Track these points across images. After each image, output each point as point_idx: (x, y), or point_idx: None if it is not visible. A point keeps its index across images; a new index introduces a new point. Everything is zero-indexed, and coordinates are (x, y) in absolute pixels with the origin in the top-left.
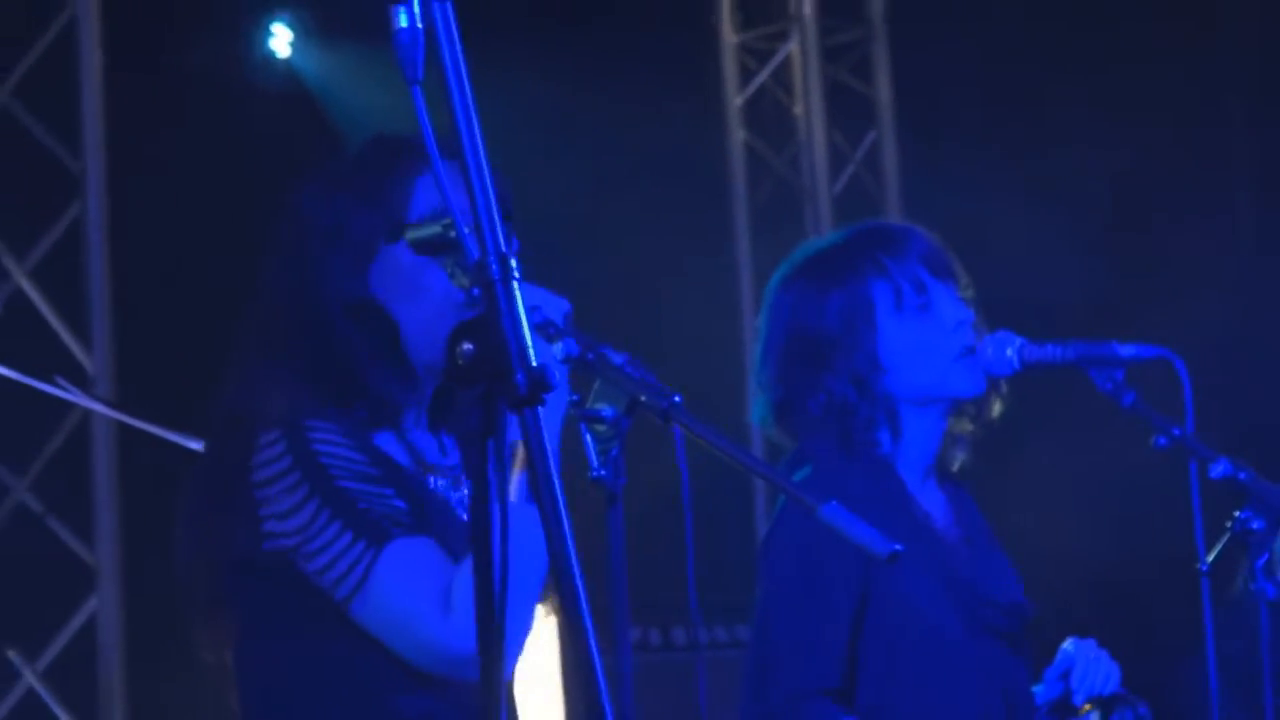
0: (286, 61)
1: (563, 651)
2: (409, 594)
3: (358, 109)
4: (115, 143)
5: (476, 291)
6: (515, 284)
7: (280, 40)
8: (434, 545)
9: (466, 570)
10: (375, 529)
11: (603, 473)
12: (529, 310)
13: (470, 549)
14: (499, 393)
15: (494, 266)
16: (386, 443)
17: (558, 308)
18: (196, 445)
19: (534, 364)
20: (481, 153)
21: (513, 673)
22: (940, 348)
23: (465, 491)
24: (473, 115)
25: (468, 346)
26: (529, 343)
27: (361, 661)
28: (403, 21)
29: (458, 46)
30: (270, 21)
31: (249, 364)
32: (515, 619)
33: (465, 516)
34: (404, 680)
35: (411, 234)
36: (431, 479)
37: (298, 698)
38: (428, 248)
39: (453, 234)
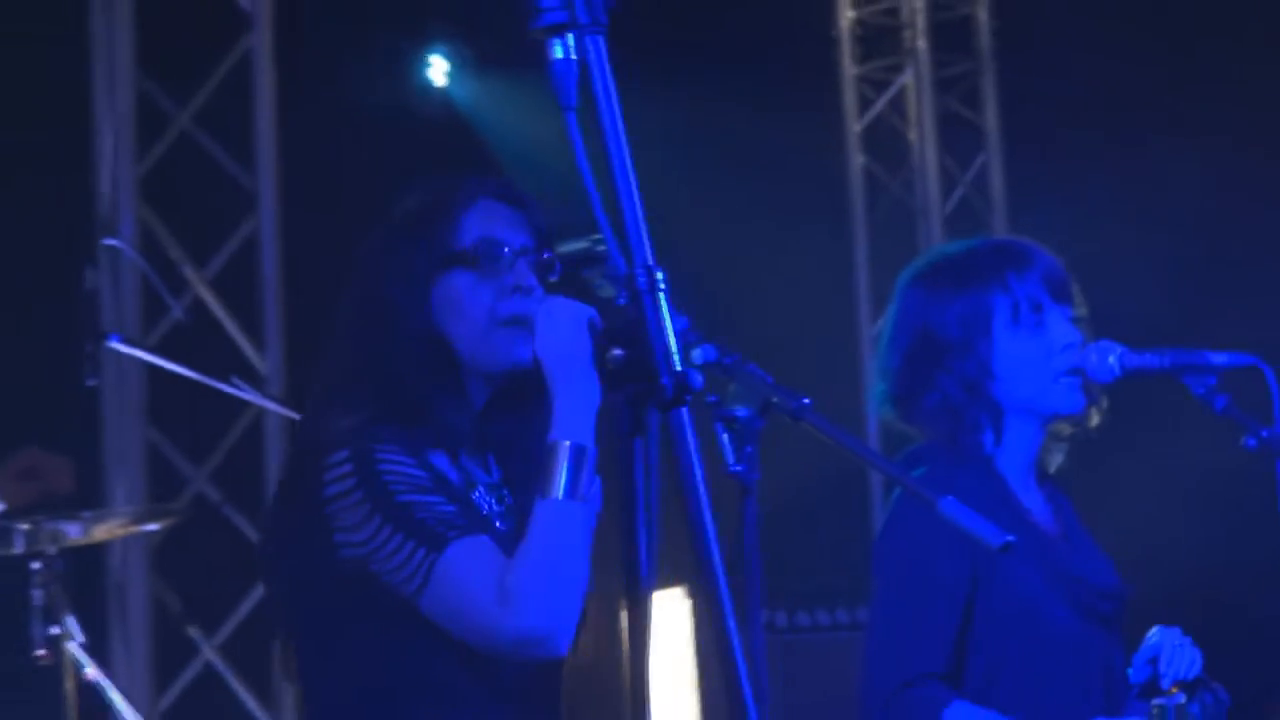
0: (443, 90)
1: (697, 632)
2: (467, 590)
3: (508, 134)
4: (287, 163)
5: (622, 300)
6: (661, 295)
7: (437, 70)
8: (489, 543)
9: (516, 564)
10: (433, 536)
11: (738, 468)
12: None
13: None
14: (646, 395)
15: (642, 278)
16: (440, 461)
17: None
18: None
19: (678, 368)
20: (631, 174)
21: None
22: (1047, 365)
23: (507, 504)
24: (623, 140)
25: (618, 352)
26: (674, 349)
27: (432, 653)
28: (559, 53)
29: (609, 76)
30: (428, 53)
31: (326, 391)
32: (572, 603)
33: (502, 527)
34: (470, 669)
35: (560, 249)
36: (476, 494)
37: (375, 693)
38: (575, 262)
39: (600, 249)
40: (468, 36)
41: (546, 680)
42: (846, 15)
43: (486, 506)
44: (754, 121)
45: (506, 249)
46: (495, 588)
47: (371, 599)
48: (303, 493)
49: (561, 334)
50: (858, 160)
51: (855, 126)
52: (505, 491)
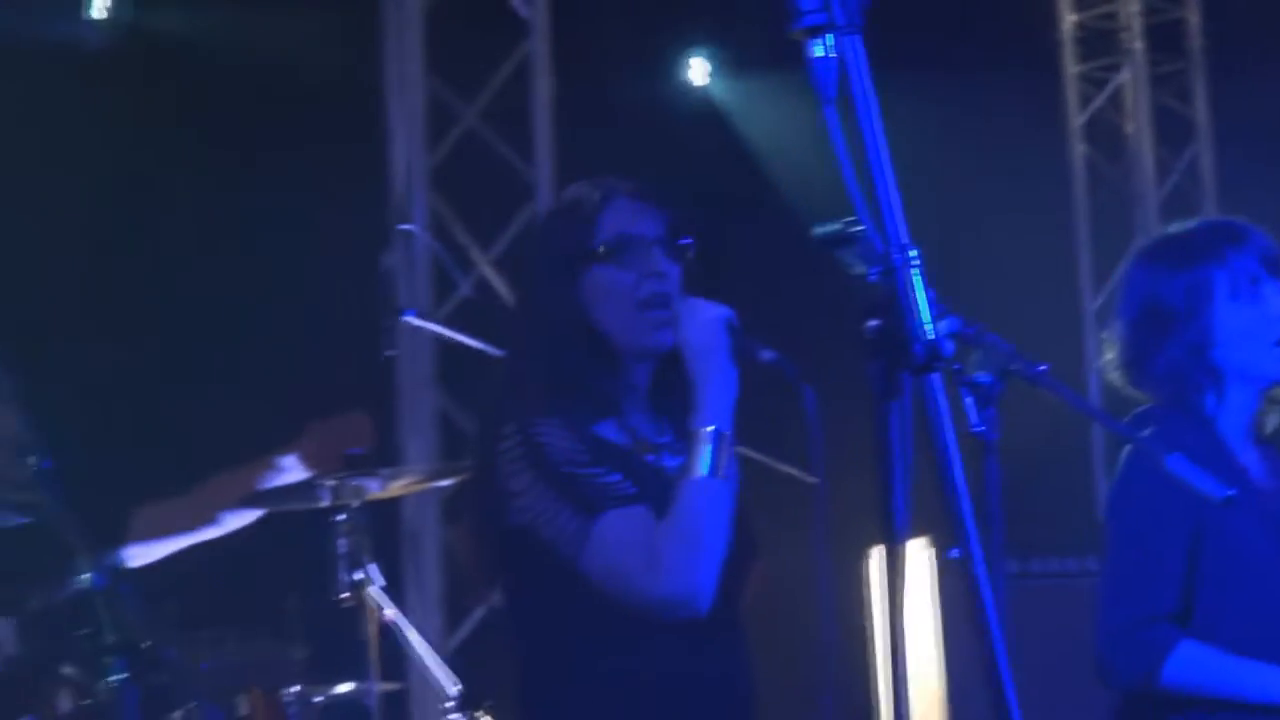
0: (702, 89)
1: (939, 579)
2: (617, 557)
3: (761, 129)
4: (562, 155)
5: (873, 276)
6: (914, 271)
7: (697, 71)
8: (642, 513)
9: (662, 534)
10: (588, 505)
11: (980, 428)
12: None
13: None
14: (900, 362)
15: (897, 256)
16: (608, 429)
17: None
18: None
19: (930, 337)
20: (887, 162)
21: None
22: (1263, 334)
23: (680, 461)
24: (878, 130)
25: (874, 323)
26: (926, 320)
27: (598, 605)
28: (819, 52)
29: (865, 72)
30: (689, 56)
31: (504, 373)
32: (710, 570)
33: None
34: (630, 623)
35: (817, 231)
36: (650, 455)
37: (559, 638)
38: (830, 242)
39: (852, 231)
40: (724, 41)
41: (725, 611)
42: (1068, 19)
43: (658, 464)
44: (986, 117)
45: (640, 241)
46: (643, 555)
47: (540, 554)
48: (481, 463)
49: (701, 331)
50: (1079, 151)
51: (1077, 121)
52: (680, 446)
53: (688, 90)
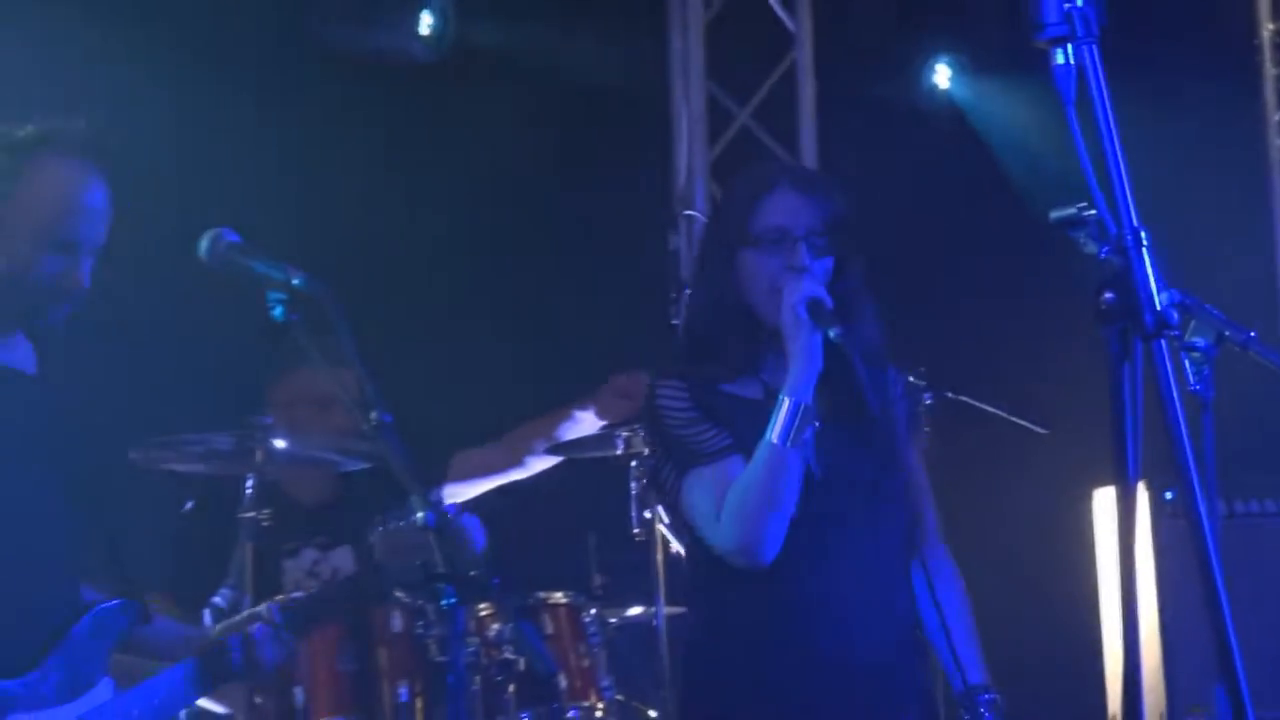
0: (946, 92)
1: (1154, 522)
2: (697, 506)
3: (1001, 129)
4: (824, 150)
5: (1103, 254)
6: (1145, 250)
7: (941, 75)
8: (726, 469)
9: (732, 491)
10: (682, 459)
11: (1197, 387)
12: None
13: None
14: (1132, 330)
15: (1130, 237)
16: (744, 386)
17: None
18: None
19: (1158, 308)
20: (1121, 156)
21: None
22: None
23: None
24: (1114, 129)
25: (1109, 295)
26: (1155, 292)
27: None
28: (1060, 59)
29: (1101, 77)
30: (934, 61)
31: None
32: (769, 526)
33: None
34: None
35: (1054, 214)
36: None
37: (705, 570)
38: (1065, 225)
39: (1086, 214)
40: (964, 48)
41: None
42: (1267, 27)
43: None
44: (1188, 117)
45: (789, 234)
46: (713, 508)
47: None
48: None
49: (788, 312)
50: (1276, 145)
51: (1275, 118)
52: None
53: (932, 91)
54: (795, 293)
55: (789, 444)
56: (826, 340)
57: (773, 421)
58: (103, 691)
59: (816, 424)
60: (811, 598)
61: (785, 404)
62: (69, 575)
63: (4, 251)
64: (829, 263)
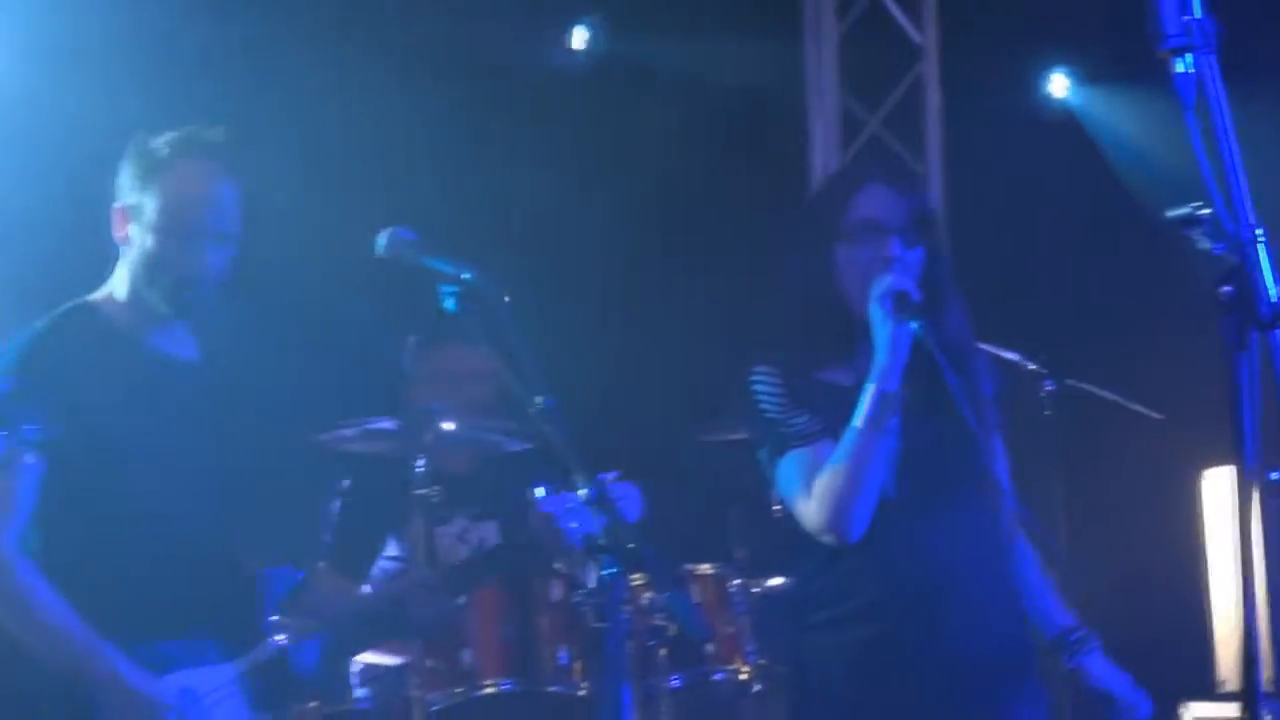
0: (1063, 100)
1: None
2: (790, 487)
3: (1116, 136)
4: (949, 155)
5: (1216, 250)
6: (1261, 247)
7: (1058, 85)
8: (816, 452)
9: (821, 473)
10: (776, 443)
11: None
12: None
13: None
14: (1249, 321)
15: (1246, 234)
16: (836, 374)
17: None
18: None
19: (1274, 300)
20: (1238, 157)
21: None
22: None
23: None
24: (1231, 132)
25: (1227, 289)
26: (1270, 285)
27: None
28: (1180, 68)
29: (1219, 84)
30: (1051, 71)
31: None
32: (855, 506)
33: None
34: None
35: (1170, 214)
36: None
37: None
38: (1180, 223)
39: (1200, 213)
40: (1080, 60)
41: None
42: None
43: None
44: None
45: (880, 228)
46: (804, 490)
47: None
48: None
49: (873, 304)
50: None
51: None
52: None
53: (1049, 100)
54: (882, 285)
55: (874, 430)
56: (913, 330)
57: (859, 408)
58: (262, 652)
59: (902, 411)
60: (902, 575)
61: (870, 391)
62: (229, 547)
63: (142, 245)
64: (919, 254)
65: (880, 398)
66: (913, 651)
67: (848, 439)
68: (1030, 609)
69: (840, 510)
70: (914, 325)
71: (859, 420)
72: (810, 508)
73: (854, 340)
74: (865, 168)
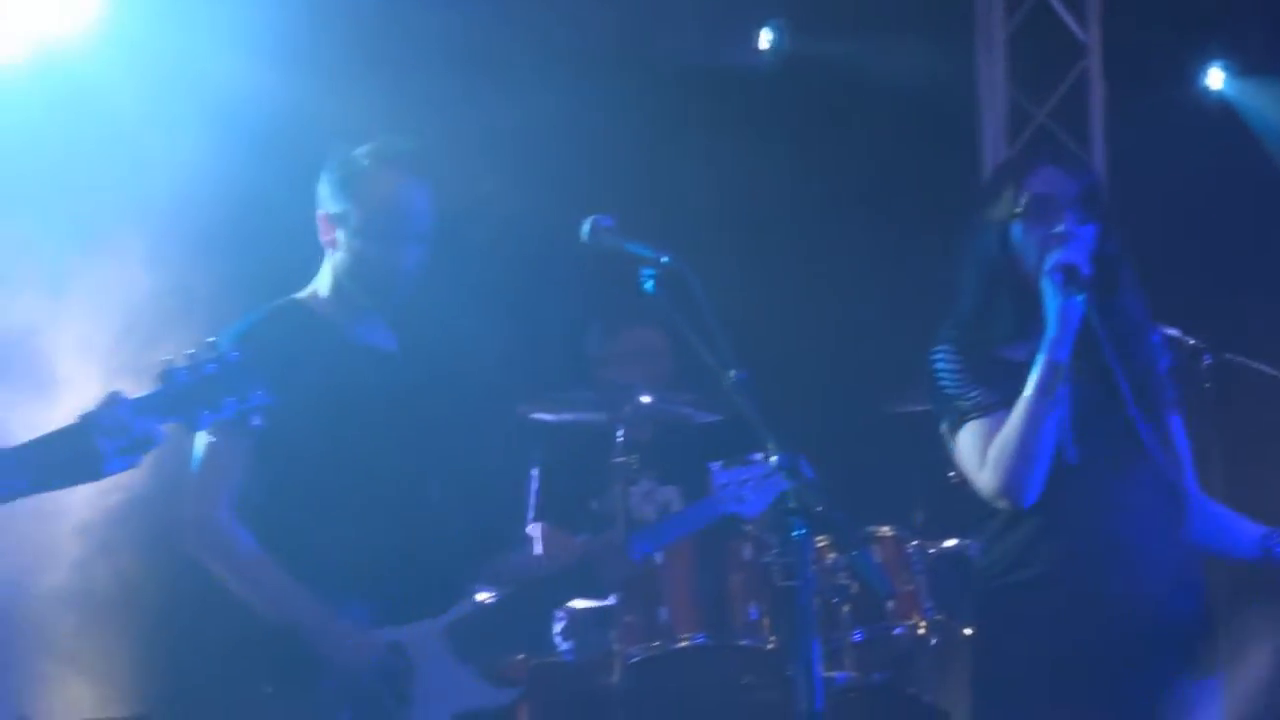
0: (1219, 92)
1: None
2: (967, 456)
3: (1272, 126)
4: (1112, 144)
5: None
6: None
7: (1215, 78)
8: (992, 421)
9: (997, 438)
10: (955, 414)
11: None
12: None
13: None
14: None
15: None
16: (1015, 350)
17: None
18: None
19: None
20: None
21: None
22: None
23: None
24: None
25: None
26: None
27: None
28: None
29: None
30: (1209, 65)
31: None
32: (1027, 472)
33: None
34: None
35: None
36: None
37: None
38: None
39: None
40: (1236, 54)
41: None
42: None
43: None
44: None
45: (1054, 204)
46: (980, 458)
47: None
48: None
49: (1045, 277)
50: None
51: None
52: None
53: (1207, 92)
54: (1053, 259)
55: (1044, 399)
56: (1082, 303)
57: (1031, 378)
58: (467, 605)
59: (1076, 380)
60: (1079, 538)
61: (1040, 362)
62: (434, 515)
63: (349, 248)
64: (1091, 230)
65: (1051, 367)
66: (1089, 611)
67: (1019, 407)
68: (1223, 538)
69: (1014, 476)
70: (1082, 298)
71: (1030, 389)
72: (986, 475)
73: (1030, 316)
74: (1038, 151)
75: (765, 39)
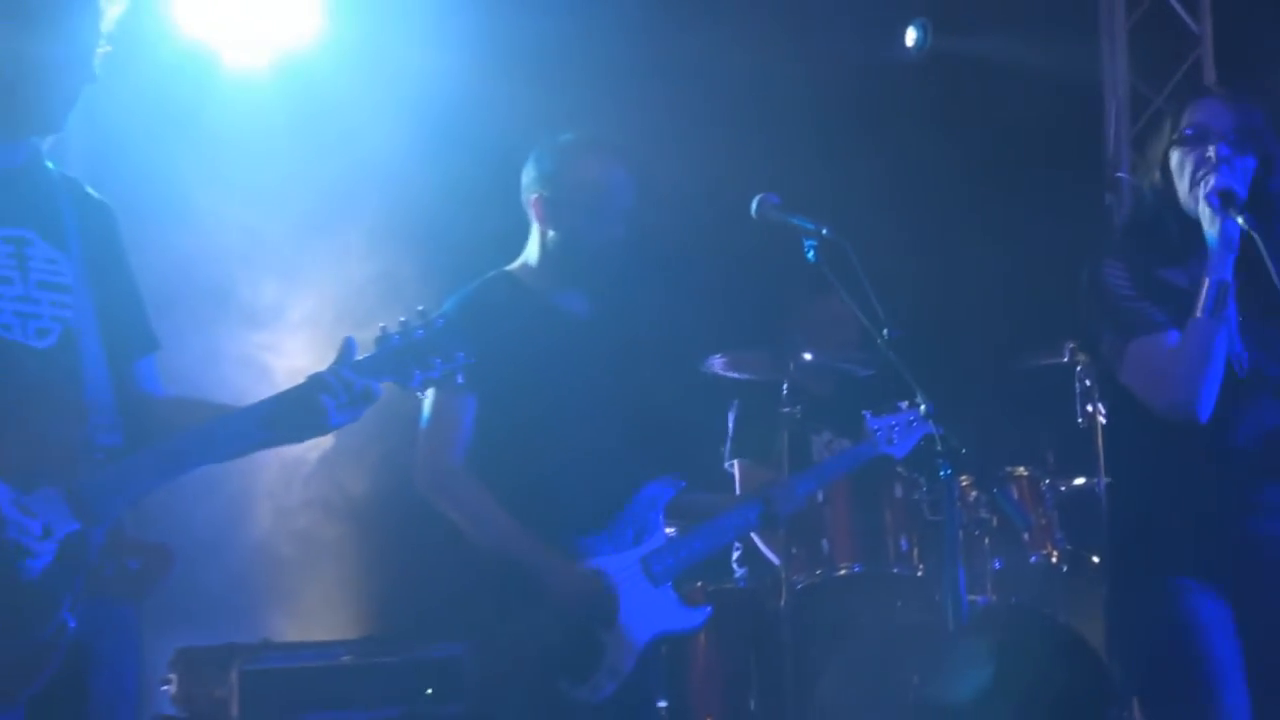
0: None
1: None
2: (1138, 373)
3: None
4: None
5: None
6: None
7: None
8: (1163, 339)
9: (1171, 354)
10: (1125, 329)
11: None
12: None
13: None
14: None
15: None
16: (1174, 274)
17: None
18: None
19: None
20: None
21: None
22: None
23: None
24: None
25: None
26: None
27: None
28: None
29: None
30: None
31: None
32: (1201, 386)
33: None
34: None
35: None
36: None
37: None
38: None
39: None
40: None
41: None
42: None
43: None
44: None
45: (1210, 132)
46: (1153, 374)
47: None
48: None
49: (1202, 204)
50: None
51: None
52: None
53: None
54: (1209, 183)
55: (1214, 317)
56: (1240, 226)
57: (1199, 299)
58: (659, 539)
59: (1241, 299)
60: (1247, 452)
61: (1206, 283)
62: (628, 462)
63: (559, 224)
64: (1251, 161)
65: (1216, 287)
66: (1249, 525)
67: (1192, 327)
68: None
69: (1190, 392)
70: (1240, 220)
71: (1199, 309)
72: (1161, 391)
73: (1189, 243)
74: (1203, 85)
75: (910, 37)
